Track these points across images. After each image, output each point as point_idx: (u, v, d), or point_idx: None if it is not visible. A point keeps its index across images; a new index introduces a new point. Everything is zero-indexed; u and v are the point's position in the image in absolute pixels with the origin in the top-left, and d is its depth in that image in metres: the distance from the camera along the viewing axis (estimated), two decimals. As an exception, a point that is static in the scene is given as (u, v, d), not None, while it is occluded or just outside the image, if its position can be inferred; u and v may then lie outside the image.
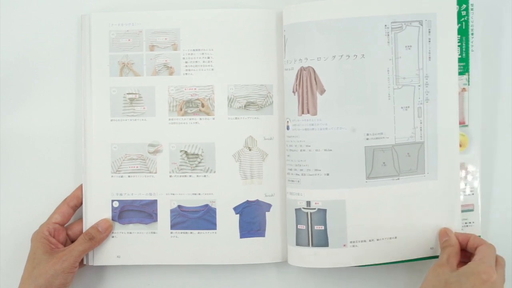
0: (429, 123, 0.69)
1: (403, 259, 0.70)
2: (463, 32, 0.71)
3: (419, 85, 0.69)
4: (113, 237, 0.72)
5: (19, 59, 0.75)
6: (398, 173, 0.69)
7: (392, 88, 0.68)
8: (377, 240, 0.69)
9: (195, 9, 0.73)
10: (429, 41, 0.69)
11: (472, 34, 0.71)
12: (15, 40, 0.75)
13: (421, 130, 0.69)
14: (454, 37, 0.69)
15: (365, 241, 0.69)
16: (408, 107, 0.69)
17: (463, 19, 0.71)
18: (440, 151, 0.69)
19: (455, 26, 0.69)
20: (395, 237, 0.69)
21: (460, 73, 0.70)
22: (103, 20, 0.73)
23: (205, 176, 0.72)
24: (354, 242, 0.69)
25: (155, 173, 0.73)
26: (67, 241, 0.72)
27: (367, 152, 0.68)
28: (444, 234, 0.69)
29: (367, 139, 0.68)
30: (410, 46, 0.68)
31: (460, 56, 0.71)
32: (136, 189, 0.72)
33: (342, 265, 0.69)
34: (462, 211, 0.71)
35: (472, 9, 0.70)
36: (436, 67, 0.69)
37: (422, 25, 0.68)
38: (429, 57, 0.69)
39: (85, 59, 0.73)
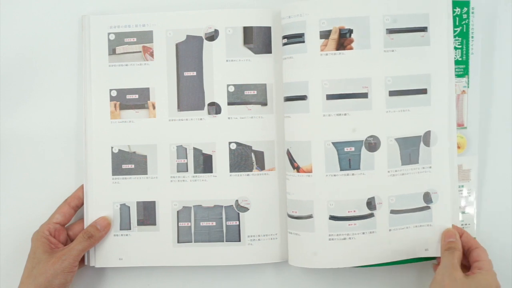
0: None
1: (399, 259, 0.70)
2: (464, 35, 0.71)
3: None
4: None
5: (19, 59, 0.74)
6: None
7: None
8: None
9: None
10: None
11: (472, 37, 0.71)
12: (16, 40, 0.74)
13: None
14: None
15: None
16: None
17: (463, 22, 0.71)
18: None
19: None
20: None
21: (460, 76, 0.71)
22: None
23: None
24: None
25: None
26: (67, 241, 0.72)
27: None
28: (451, 235, 0.69)
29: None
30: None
31: (460, 59, 0.71)
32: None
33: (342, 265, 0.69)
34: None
35: (472, 13, 0.71)
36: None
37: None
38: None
39: (85, 60, 0.72)
